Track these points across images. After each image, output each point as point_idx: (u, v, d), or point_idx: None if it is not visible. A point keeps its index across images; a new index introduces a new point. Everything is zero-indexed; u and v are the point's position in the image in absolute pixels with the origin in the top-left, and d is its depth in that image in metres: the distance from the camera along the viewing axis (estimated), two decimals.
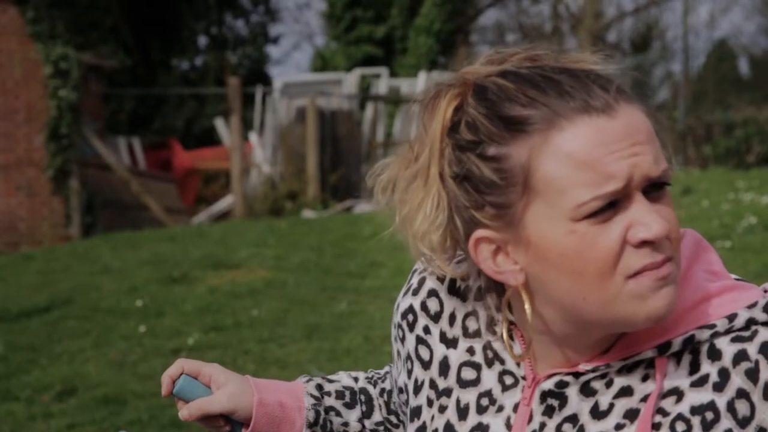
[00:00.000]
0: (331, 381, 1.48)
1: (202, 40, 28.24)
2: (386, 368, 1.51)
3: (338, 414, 1.44)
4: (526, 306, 1.13)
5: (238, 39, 28.62)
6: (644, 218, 1.07)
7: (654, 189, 1.09)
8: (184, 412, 1.36)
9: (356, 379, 1.50)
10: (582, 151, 1.06)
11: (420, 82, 17.39)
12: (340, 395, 1.46)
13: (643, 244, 1.07)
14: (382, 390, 1.48)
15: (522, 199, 1.09)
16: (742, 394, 1.08)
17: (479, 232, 1.13)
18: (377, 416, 1.47)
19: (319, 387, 1.45)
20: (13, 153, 14.34)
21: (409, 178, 1.17)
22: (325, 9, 24.03)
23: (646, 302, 1.07)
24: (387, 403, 1.48)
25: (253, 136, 17.62)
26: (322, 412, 1.42)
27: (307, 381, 1.46)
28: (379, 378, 1.50)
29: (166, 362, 5.99)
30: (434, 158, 1.15)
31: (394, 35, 22.69)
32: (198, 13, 26.58)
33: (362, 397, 1.47)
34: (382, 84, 17.85)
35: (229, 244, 10.62)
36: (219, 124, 19.48)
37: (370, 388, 1.49)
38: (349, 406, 1.46)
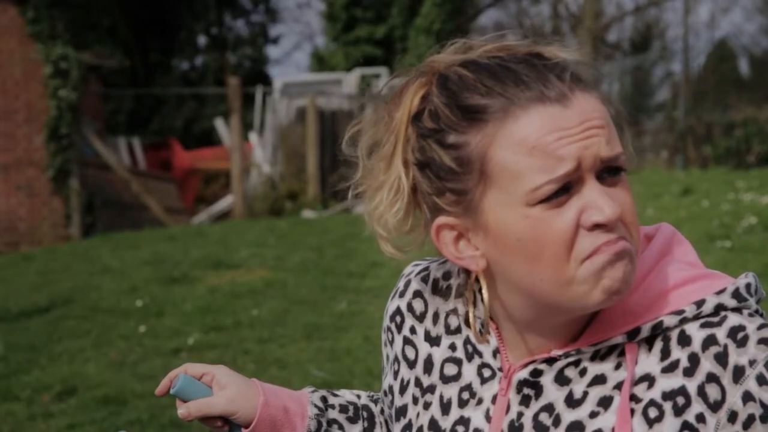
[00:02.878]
0: (335, 395, 1.50)
1: (202, 41, 28.26)
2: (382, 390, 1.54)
3: (341, 427, 1.46)
4: (484, 291, 1.17)
5: (238, 39, 28.63)
6: (597, 201, 1.09)
7: (609, 174, 1.11)
8: (183, 410, 1.36)
9: (359, 396, 1.52)
10: (534, 138, 1.08)
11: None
12: (343, 409, 1.47)
13: (596, 227, 1.09)
14: (383, 409, 1.50)
15: (479, 186, 1.12)
16: (712, 378, 1.09)
17: (440, 219, 1.16)
18: None
19: (324, 399, 1.47)
20: (13, 153, 14.35)
21: (373, 162, 1.21)
22: (324, 9, 24.03)
23: (601, 278, 1.09)
24: (387, 423, 1.49)
25: (253, 136, 17.62)
26: (324, 424, 1.44)
27: (313, 392, 1.47)
28: (379, 398, 1.53)
29: (166, 362, 5.99)
30: (399, 145, 1.18)
31: (394, 35, 22.69)
32: (197, 13, 26.60)
33: (365, 414, 1.49)
34: (382, 84, 17.83)
35: (229, 244, 10.62)
36: (219, 124, 19.49)
37: (372, 405, 1.51)
38: (352, 420, 1.47)
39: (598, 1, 23.18)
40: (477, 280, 1.20)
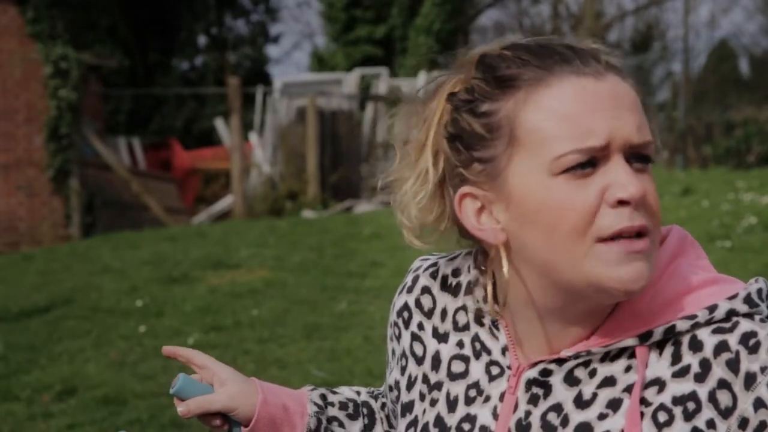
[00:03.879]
0: (334, 392, 1.49)
1: (202, 40, 28.25)
2: (385, 385, 1.53)
3: (341, 425, 1.46)
4: (504, 263, 1.16)
5: (238, 39, 28.63)
6: (622, 179, 1.08)
7: (637, 160, 1.12)
8: (183, 408, 1.36)
9: (359, 393, 1.52)
10: (566, 106, 1.10)
11: (420, 82, 17.41)
12: (343, 406, 1.47)
13: (620, 204, 1.09)
14: (383, 404, 1.50)
15: (506, 152, 1.13)
16: (723, 384, 1.09)
17: (465, 188, 1.17)
18: (379, 429, 1.49)
19: (323, 396, 1.46)
20: (13, 153, 14.35)
21: (404, 151, 1.23)
22: (323, 9, 24.04)
23: (615, 269, 1.09)
24: (388, 417, 1.49)
25: (253, 136, 17.62)
26: (324, 421, 1.43)
27: (312, 390, 1.47)
28: (379, 393, 1.53)
29: (166, 362, 5.99)
30: (430, 134, 1.19)
31: (394, 35, 22.69)
32: (197, 13, 26.60)
33: (365, 410, 1.49)
34: (382, 84, 17.86)
35: (229, 244, 10.62)
36: (219, 124, 19.49)
37: (372, 402, 1.51)
38: (352, 417, 1.47)
39: (598, 1, 23.18)
40: (493, 261, 1.20)
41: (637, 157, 1.11)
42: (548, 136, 1.09)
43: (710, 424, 1.09)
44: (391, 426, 1.49)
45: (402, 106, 1.26)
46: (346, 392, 1.50)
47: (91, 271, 9.61)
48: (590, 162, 1.09)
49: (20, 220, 14.38)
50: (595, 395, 1.15)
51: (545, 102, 1.10)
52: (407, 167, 1.22)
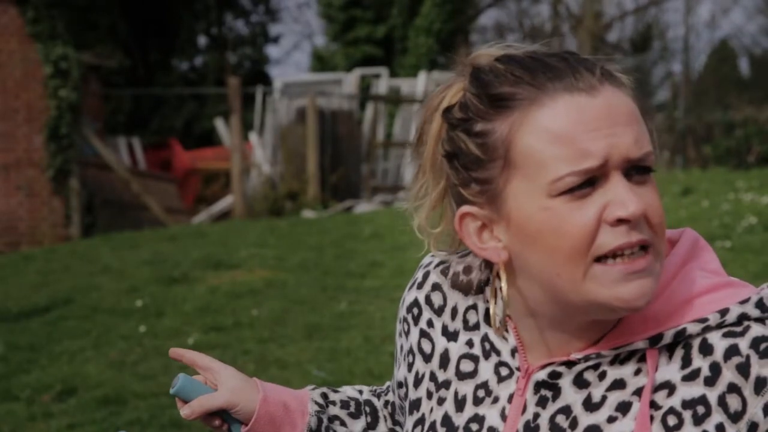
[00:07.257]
0: (336, 391, 1.49)
1: (202, 41, 28.27)
2: (387, 383, 1.53)
3: (343, 423, 1.45)
4: (503, 284, 1.15)
5: (238, 39, 28.63)
6: (621, 197, 1.07)
7: (637, 172, 1.10)
8: (186, 410, 1.36)
9: (360, 392, 1.51)
10: (560, 127, 1.08)
11: (420, 82, 17.40)
12: (345, 405, 1.47)
13: (620, 222, 1.07)
14: (386, 402, 1.50)
15: (503, 174, 1.12)
16: (733, 388, 1.09)
17: (464, 208, 1.16)
18: (382, 427, 1.49)
19: (324, 396, 1.46)
20: (13, 153, 14.34)
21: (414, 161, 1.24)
22: (321, 9, 24.04)
23: (615, 289, 1.08)
24: (392, 415, 1.49)
25: (253, 136, 17.62)
26: (325, 420, 1.43)
27: (313, 389, 1.47)
28: (381, 392, 1.52)
29: (166, 362, 5.99)
30: (429, 146, 1.20)
31: (394, 35, 22.69)
32: (198, 13, 26.60)
33: (367, 408, 1.49)
34: (382, 84, 17.85)
35: (229, 244, 10.62)
36: (219, 124, 19.50)
37: (374, 400, 1.50)
38: (354, 416, 1.47)
39: (598, 1, 23.18)
40: (499, 276, 1.19)
41: (637, 169, 1.10)
42: (544, 158, 1.08)
43: (720, 428, 1.08)
44: (395, 423, 1.48)
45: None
46: (348, 391, 1.50)
47: (91, 271, 9.60)
48: (588, 182, 1.07)
49: (20, 220, 14.38)
50: (604, 398, 1.14)
51: (539, 124, 1.09)
52: (416, 176, 1.24)
